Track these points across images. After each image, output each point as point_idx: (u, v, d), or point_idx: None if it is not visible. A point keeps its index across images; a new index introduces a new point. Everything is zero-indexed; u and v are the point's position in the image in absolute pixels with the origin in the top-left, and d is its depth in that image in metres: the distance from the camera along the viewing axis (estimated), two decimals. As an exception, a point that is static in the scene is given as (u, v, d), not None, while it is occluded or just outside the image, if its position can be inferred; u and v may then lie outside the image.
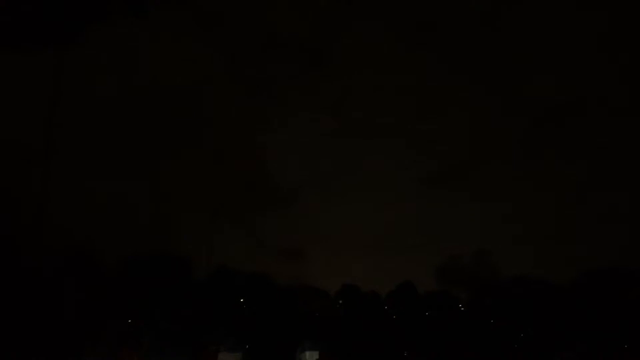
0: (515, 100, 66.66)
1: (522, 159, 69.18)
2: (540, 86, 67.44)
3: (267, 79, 71.87)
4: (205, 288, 33.75)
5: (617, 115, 62.80)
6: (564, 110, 64.42)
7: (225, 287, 34.98)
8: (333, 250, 56.10)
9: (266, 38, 68.38)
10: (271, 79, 70.40)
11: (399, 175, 74.27)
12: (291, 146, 73.43)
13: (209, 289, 33.24)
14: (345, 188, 71.17)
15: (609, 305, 28.12)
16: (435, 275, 47.02)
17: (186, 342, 7.01)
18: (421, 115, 73.05)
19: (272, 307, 30.09)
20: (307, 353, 9.99)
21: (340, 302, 38.94)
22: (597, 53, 64.89)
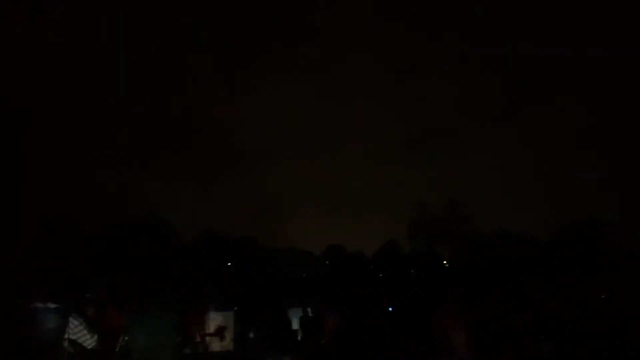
0: (493, 60, 66.74)
1: (501, 118, 69.68)
2: (517, 45, 67.42)
3: (243, 40, 70.62)
4: (192, 251, 33.91)
5: (596, 72, 63.14)
6: (543, 68, 64.60)
7: (212, 250, 35.17)
8: (315, 211, 56.53)
9: (243, -2, 66.88)
10: (248, 41, 69.20)
11: (379, 137, 74.54)
12: (269, 108, 73.08)
13: (196, 252, 33.41)
14: (325, 150, 71.38)
15: (589, 257, 28.84)
16: (417, 234, 47.78)
17: (175, 302, 7.09)
18: (400, 78, 72.81)
19: (259, 269, 30.37)
20: (295, 319, 10.13)
21: (327, 262, 39.43)
22: (576, 10, 64.81)
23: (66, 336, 6.26)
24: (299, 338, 9.46)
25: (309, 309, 9.56)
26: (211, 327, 8.37)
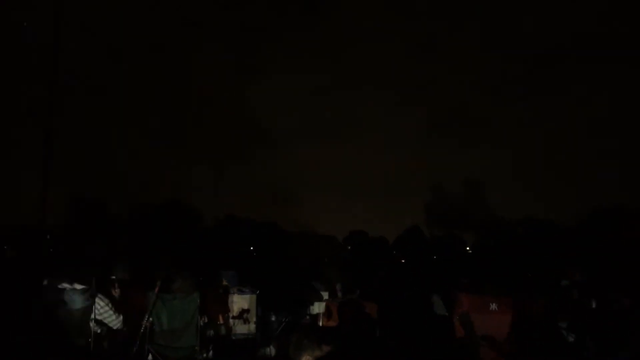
0: (511, 44, 65.54)
1: (522, 102, 68.57)
2: (536, 29, 66.06)
3: (260, 26, 70.32)
4: (214, 234, 34.26)
5: (615, 58, 61.56)
6: (562, 52, 63.13)
7: (234, 233, 35.47)
8: (336, 196, 56.59)
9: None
10: (264, 26, 68.83)
11: (398, 122, 74.10)
12: (288, 94, 73.03)
13: (218, 236, 33.74)
14: (345, 135, 71.00)
15: (614, 244, 28.33)
16: (439, 219, 47.53)
17: (198, 284, 7.19)
18: (418, 62, 72.02)
19: (281, 253, 30.56)
20: (316, 304, 10.15)
21: (349, 247, 39.46)
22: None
23: (93, 316, 6.35)
24: (320, 323, 9.47)
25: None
26: (235, 309, 8.43)
